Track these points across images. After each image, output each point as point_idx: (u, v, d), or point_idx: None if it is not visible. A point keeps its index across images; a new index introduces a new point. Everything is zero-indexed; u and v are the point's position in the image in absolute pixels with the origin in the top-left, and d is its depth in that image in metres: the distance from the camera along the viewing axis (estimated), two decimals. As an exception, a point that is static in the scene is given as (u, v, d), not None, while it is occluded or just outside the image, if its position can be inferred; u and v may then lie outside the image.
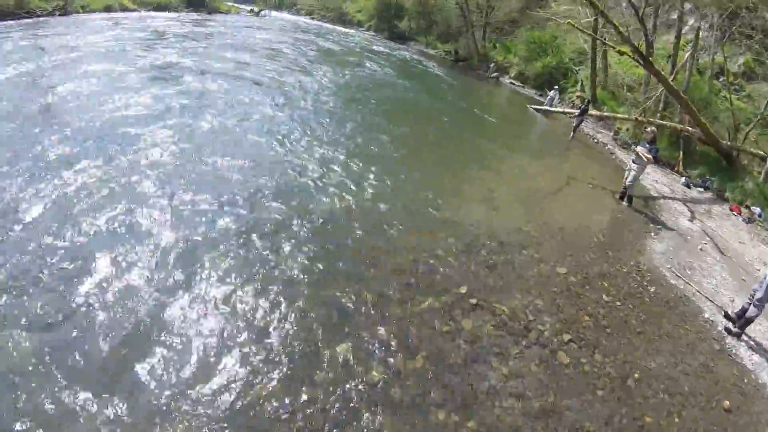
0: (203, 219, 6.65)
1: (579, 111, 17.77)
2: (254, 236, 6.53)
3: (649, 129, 12.09)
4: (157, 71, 13.98)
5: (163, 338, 4.55)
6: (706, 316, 7.65)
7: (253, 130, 10.66)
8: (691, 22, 20.52)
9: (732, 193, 14.37)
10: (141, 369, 4.23)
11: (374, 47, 31.08)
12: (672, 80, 15.45)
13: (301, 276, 5.88)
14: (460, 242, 7.42)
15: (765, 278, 7.12)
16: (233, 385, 4.22)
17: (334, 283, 5.85)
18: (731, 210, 13.59)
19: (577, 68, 24.61)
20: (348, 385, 4.41)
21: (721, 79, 17.97)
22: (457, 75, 26.89)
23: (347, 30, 39.95)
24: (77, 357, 4.21)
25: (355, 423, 4.06)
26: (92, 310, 4.75)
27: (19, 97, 10.16)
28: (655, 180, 14.86)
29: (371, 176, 9.15)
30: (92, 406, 3.79)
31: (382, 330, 5.21)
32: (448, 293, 6.15)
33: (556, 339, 5.79)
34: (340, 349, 4.80)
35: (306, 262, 6.15)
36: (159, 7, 30.76)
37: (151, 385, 4.10)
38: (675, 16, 19.10)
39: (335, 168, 9.39)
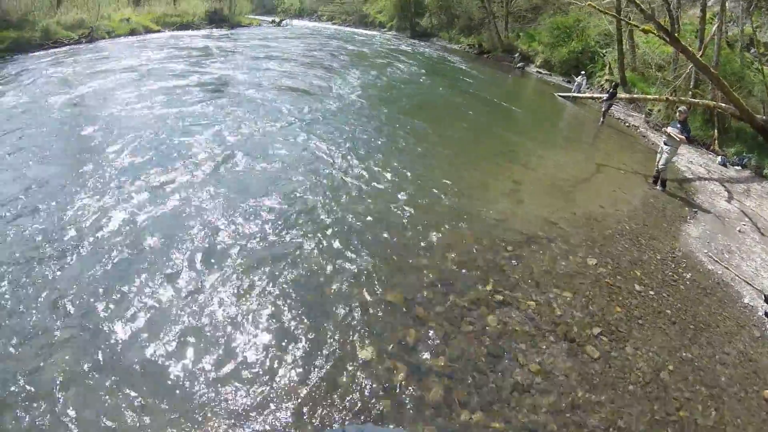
0: (234, 221, 6.78)
1: (607, 95, 17.42)
2: (279, 230, 6.67)
3: (680, 108, 11.74)
4: (197, 88, 14.27)
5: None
6: (746, 301, 7.42)
7: (291, 133, 11.01)
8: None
9: (771, 169, 13.82)
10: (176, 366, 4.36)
11: (397, 46, 31.12)
12: (701, 55, 14.97)
13: (321, 275, 5.95)
14: (484, 237, 7.36)
15: None
16: (253, 382, 4.31)
17: (355, 283, 5.88)
18: (772, 188, 13.07)
19: (604, 51, 24.05)
20: (371, 387, 4.44)
21: (752, 51, 17.27)
22: (481, 68, 26.65)
23: (369, 32, 40.07)
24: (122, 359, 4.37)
25: (378, 423, 4.09)
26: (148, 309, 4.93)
27: (74, 121, 10.53)
28: (690, 161, 14.43)
29: (395, 174, 9.22)
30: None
31: (404, 331, 5.22)
32: (472, 290, 6.11)
33: (586, 333, 5.69)
34: (364, 352, 4.83)
35: (325, 261, 6.21)
36: (182, 26, 31.41)
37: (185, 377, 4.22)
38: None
39: (364, 166, 9.51)
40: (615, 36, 21.89)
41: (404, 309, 5.57)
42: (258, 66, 19.07)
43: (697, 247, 8.70)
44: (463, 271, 6.48)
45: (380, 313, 5.46)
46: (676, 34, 14.36)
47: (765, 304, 7.37)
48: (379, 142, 11.26)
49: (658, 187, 11.42)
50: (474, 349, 5.17)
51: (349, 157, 9.87)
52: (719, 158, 14.94)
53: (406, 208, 7.94)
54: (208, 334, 4.83)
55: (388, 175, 9.11)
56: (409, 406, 4.33)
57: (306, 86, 16.33)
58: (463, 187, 9.17)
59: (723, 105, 14.98)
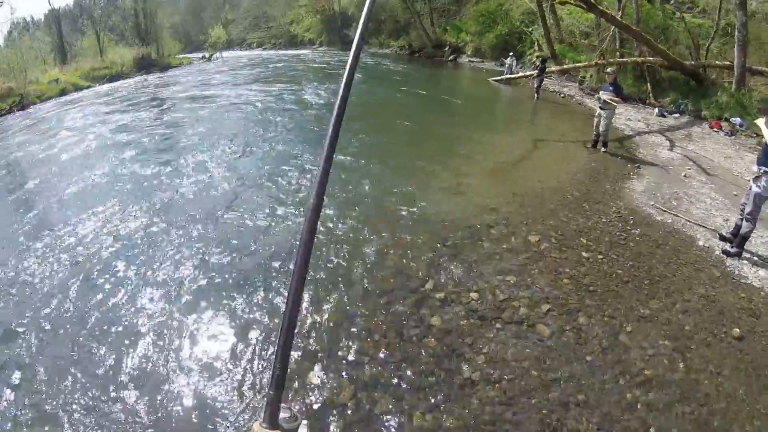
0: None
1: (537, 70, 17.43)
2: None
3: (608, 70, 11.75)
4: (127, 143, 13.64)
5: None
6: (701, 244, 7.22)
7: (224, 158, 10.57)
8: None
9: (708, 110, 13.94)
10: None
11: (329, 61, 30.96)
12: (620, 16, 15.10)
13: (254, 290, 5.53)
14: (423, 237, 7.03)
15: (750, 190, 6.70)
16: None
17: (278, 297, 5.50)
18: (711, 127, 13.17)
19: (530, 29, 24.26)
20: (320, 405, 4.06)
21: (671, 2, 17.52)
22: (415, 66, 26.68)
23: (300, 51, 39.92)
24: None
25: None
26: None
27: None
28: (629, 118, 14.46)
29: (334, 179, 8.83)
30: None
31: (345, 343, 4.85)
32: (414, 293, 5.76)
33: (534, 312, 5.36)
34: (309, 374, 4.44)
35: (254, 277, 5.81)
36: (112, 78, 30.88)
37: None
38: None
39: (295, 184, 9.19)
40: (538, 13, 22.06)
41: (345, 326, 5.18)
42: (182, 112, 18.52)
43: (644, 201, 8.52)
44: (402, 275, 6.12)
45: (322, 334, 5.07)
46: (592, 0, 14.42)
47: (721, 243, 7.19)
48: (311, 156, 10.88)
49: (601, 149, 11.29)
50: (420, 353, 4.81)
51: (281, 174, 9.54)
52: (656, 110, 15.01)
53: (342, 220, 7.59)
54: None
55: (332, 181, 8.70)
56: (358, 422, 3.96)
57: (237, 116, 15.92)
58: (401, 190, 8.85)
59: (651, 59, 15.16)
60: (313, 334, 5.09)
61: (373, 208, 8.09)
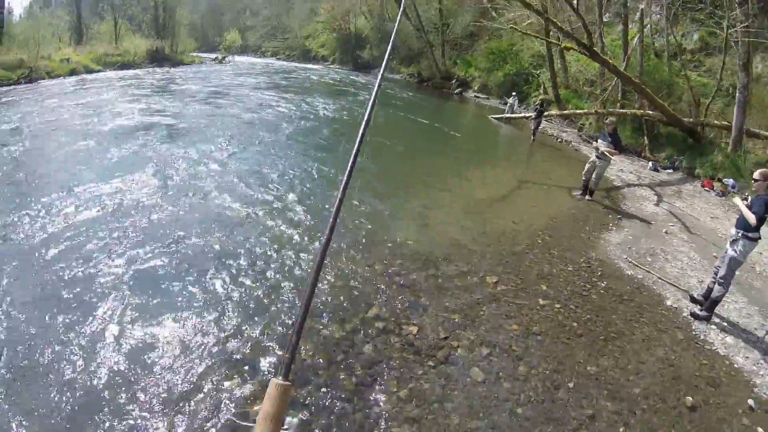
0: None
1: (535, 112, 17.34)
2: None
3: (608, 120, 11.52)
4: (130, 133, 13.46)
5: None
6: (669, 303, 6.92)
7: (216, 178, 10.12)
8: (641, 6, 20.26)
9: (702, 168, 13.77)
10: None
11: (340, 79, 31.09)
12: (625, 67, 15.06)
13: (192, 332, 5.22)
14: (379, 262, 6.76)
15: (726, 253, 6.44)
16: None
17: (235, 315, 5.21)
18: (703, 186, 12.97)
19: (538, 72, 24.31)
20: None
21: (679, 59, 17.52)
22: (421, 95, 26.69)
23: (313, 66, 40.13)
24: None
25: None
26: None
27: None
28: (621, 170, 14.25)
29: (299, 203, 8.71)
30: None
31: (271, 359, 4.56)
32: (355, 317, 5.47)
33: (472, 354, 5.06)
34: (230, 383, 4.15)
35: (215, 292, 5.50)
36: (123, 66, 31.04)
37: None
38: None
39: (272, 196, 9.01)
40: (546, 57, 22.10)
41: (272, 338, 4.88)
42: (193, 107, 18.35)
43: (616, 254, 8.24)
44: (346, 297, 5.83)
45: (247, 344, 4.79)
46: (594, 48, 14.38)
47: (691, 304, 6.90)
48: (296, 171, 10.74)
49: (586, 197, 11.05)
50: (342, 378, 4.51)
51: (255, 188, 9.34)
52: (650, 164, 14.84)
53: (296, 230, 7.35)
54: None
55: (297, 207, 8.52)
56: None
57: (237, 122, 15.77)
58: (368, 212, 8.61)
59: (650, 112, 15.06)
60: (236, 346, 4.80)
61: (337, 231, 7.81)
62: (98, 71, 28.37)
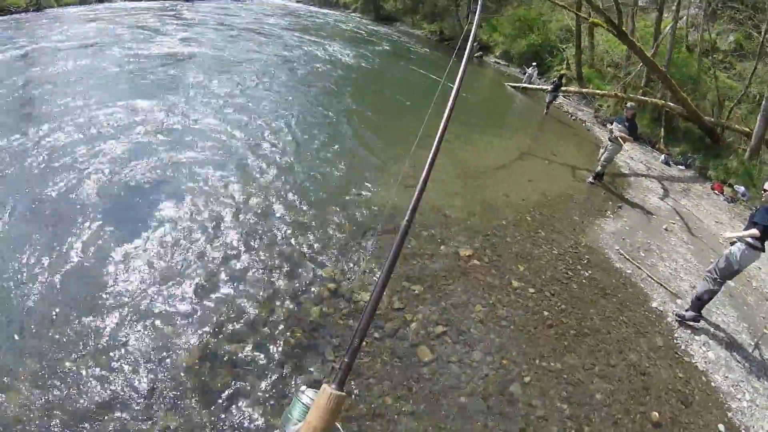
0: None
1: (552, 86, 16.49)
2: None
3: (629, 105, 10.74)
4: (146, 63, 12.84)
5: None
6: (654, 305, 6.38)
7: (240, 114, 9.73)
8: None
9: (715, 171, 13.07)
10: None
11: (359, 28, 29.87)
12: (652, 54, 14.13)
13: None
14: (350, 221, 6.21)
15: (724, 254, 5.89)
16: None
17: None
18: (713, 189, 12.27)
19: (564, 47, 23.17)
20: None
21: (711, 57, 16.53)
22: (439, 54, 25.57)
23: (333, 12, 38.77)
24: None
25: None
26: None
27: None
28: (631, 157, 13.50)
29: (307, 146, 8.49)
30: None
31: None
32: (306, 276, 4.93)
33: (424, 331, 4.54)
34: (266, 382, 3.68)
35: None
36: None
37: None
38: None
39: (281, 138, 8.70)
40: (574, 32, 21.02)
41: (229, 306, 4.35)
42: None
43: (608, 243, 7.65)
44: (304, 255, 5.28)
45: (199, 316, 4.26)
46: (623, 29, 13.43)
47: (676, 308, 6.36)
48: (311, 118, 10.30)
49: (589, 179, 10.42)
50: (285, 339, 4.08)
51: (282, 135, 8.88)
52: (662, 156, 14.11)
53: (280, 183, 6.80)
54: None
55: (303, 149, 8.29)
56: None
57: (251, 65, 14.96)
58: (356, 167, 7.98)
59: (671, 104, 14.24)
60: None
61: (319, 182, 7.27)
62: (109, 1, 26.89)
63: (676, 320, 6.11)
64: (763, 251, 5.63)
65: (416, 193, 1.05)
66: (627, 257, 7.42)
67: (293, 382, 3.73)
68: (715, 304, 6.48)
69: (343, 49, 20.54)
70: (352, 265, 5.37)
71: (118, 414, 3.23)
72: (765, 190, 5.83)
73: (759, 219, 5.50)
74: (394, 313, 4.68)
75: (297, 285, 4.82)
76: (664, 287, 6.88)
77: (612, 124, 10.43)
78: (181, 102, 9.68)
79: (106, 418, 3.19)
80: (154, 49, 14.74)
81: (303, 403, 0.90)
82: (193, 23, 22.44)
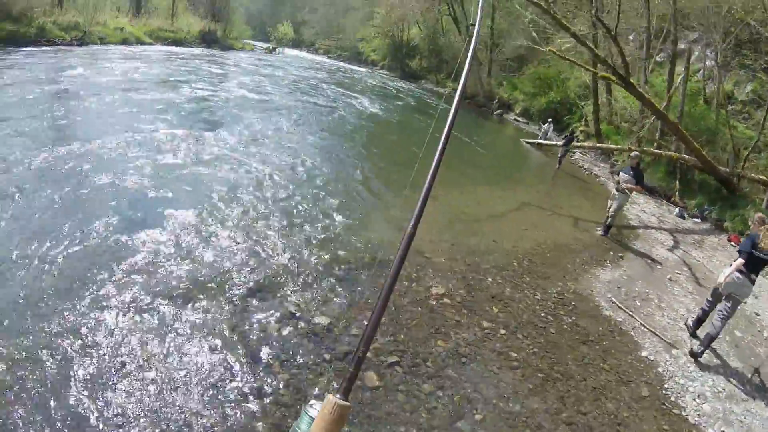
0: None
1: (564, 141, 16.54)
2: None
3: (632, 153, 10.71)
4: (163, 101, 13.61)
5: None
6: (644, 354, 6.08)
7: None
8: (696, 53, 19.21)
9: (732, 222, 12.66)
10: None
11: (387, 84, 30.86)
12: (665, 106, 14.10)
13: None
14: (328, 254, 6.21)
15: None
16: None
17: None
18: (729, 240, 11.87)
19: (582, 104, 23.35)
20: None
21: (729, 108, 16.39)
22: (462, 113, 25.96)
23: (361, 68, 40.17)
24: None
25: None
26: None
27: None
28: (643, 210, 13.24)
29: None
30: None
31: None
32: (272, 298, 4.92)
33: (376, 359, 4.41)
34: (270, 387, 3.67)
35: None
36: (174, 42, 31.74)
37: None
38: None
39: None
40: (591, 88, 21.23)
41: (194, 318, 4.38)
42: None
43: (600, 292, 7.40)
44: (271, 281, 5.30)
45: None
46: (631, 80, 13.50)
47: (669, 358, 6.11)
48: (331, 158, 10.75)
49: (598, 231, 10.23)
50: (232, 349, 4.01)
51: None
52: (677, 209, 13.77)
53: (272, 203, 7.14)
54: None
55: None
56: None
57: (275, 107, 15.73)
58: (347, 202, 8.13)
59: (685, 156, 14.08)
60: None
61: (309, 211, 7.48)
62: (149, 44, 28.92)
63: (690, 355, 6.07)
64: (752, 281, 5.76)
65: (406, 233, 1.09)
66: (619, 305, 7.15)
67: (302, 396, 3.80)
68: (718, 354, 6.17)
69: (369, 102, 21.33)
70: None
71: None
72: (753, 222, 6.17)
73: (742, 247, 5.87)
74: (348, 337, 4.59)
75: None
76: (659, 336, 6.57)
77: (618, 174, 10.34)
78: (211, 133, 10.58)
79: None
80: (193, 87, 15.94)
81: (310, 416, 0.91)
82: (231, 70, 23.66)
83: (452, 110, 1.18)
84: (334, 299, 5.32)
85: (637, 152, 10.90)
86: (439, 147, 1.22)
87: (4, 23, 19.91)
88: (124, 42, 26.84)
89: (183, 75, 18.72)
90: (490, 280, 6.69)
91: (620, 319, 6.77)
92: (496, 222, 9.51)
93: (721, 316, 5.98)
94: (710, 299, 6.42)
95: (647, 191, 14.22)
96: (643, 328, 6.72)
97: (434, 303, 5.69)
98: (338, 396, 0.93)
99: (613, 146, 17.40)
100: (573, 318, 6.37)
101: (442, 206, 9.41)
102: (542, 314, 6.21)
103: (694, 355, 6.04)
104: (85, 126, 9.62)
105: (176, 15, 35.82)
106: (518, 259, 7.77)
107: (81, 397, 3.37)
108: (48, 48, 20.28)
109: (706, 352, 6.09)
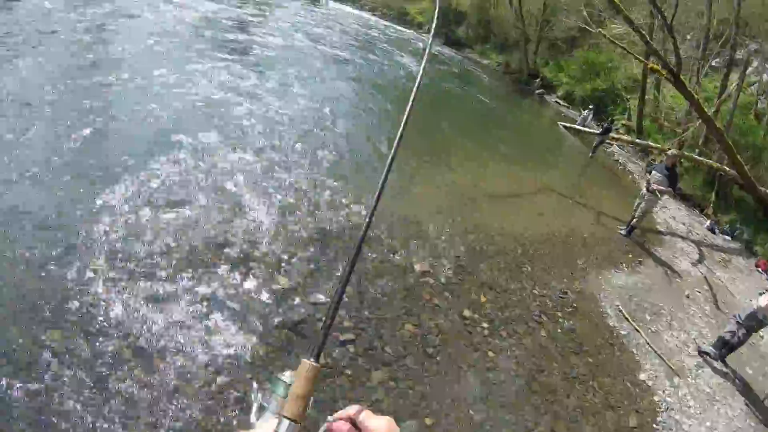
0: None
1: (601, 130, 15.51)
2: None
3: (669, 152, 9.71)
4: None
5: None
6: (641, 377, 5.35)
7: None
8: (755, 64, 17.84)
9: (763, 247, 11.64)
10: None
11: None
12: (714, 112, 12.95)
13: None
14: (312, 222, 5.53)
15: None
16: None
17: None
18: (757, 266, 10.94)
19: (628, 96, 21.97)
20: None
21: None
22: (501, 84, 24.99)
23: (406, 29, 38.77)
24: None
25: None
26: None
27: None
28: (673, 216, 12.25)
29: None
30: None
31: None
32: (220, 262, 4.26)
33: (336, 338, 3.73)
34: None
35: None
36: None
37: None
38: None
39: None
40: (641, 82, 19.89)
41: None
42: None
43: (609, 297, 6.60)
44: (256, 256, 4.63)
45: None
46: (681, 77, 12.33)
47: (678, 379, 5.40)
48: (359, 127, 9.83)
49: (621, 230, 9.36)
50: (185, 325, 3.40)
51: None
52: (708, 222, 12.75)
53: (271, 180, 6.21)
54: None
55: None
56: None
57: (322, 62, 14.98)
58: (356, 171, 7.34)
59: (726, 168, 12.98)
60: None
61: (304, 179, 6.66)
62: None
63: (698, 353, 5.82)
64: None
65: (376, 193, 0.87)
66: (626, 316, 6.37)
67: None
68: (725, 389, 5.44)
69: (410, 63, 20.10)
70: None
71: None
72: None
73: None
74: (309, 306, 3.91)
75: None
76: (662, 359, 5.79)
77: (650, 173, 9.37)
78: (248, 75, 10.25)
79: None
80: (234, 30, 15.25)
81: (284, 381, 0.75)
82: (274, 16, 22.79)
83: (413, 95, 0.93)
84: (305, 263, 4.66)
85: (675, 151, 9.90)
86: (403, 119, 0.95)
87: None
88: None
89: (222, 18, 17.95)
90: (482, 265, 5.91)
91: (624, 332, 6.01)
92: (508, 202, 8.70)
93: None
94: (742, 321, 5.77)
95: (679, 197, 13.24)
96: (647, 346, 5.95)
97: (413, 281, 4.96)
98: (312, 359, 0.74)
99: (652, 144, 16.23)
100: (571, 322, 5.61)
101: (453, 177, 8.63)
102: (536, 312, 5.47)
103: (715, 356, 5.82)
104: (123, 57, 9.27)
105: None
106: (524, 245, 6.97)
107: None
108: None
109: (713, 386, 5.37)
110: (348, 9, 44.80)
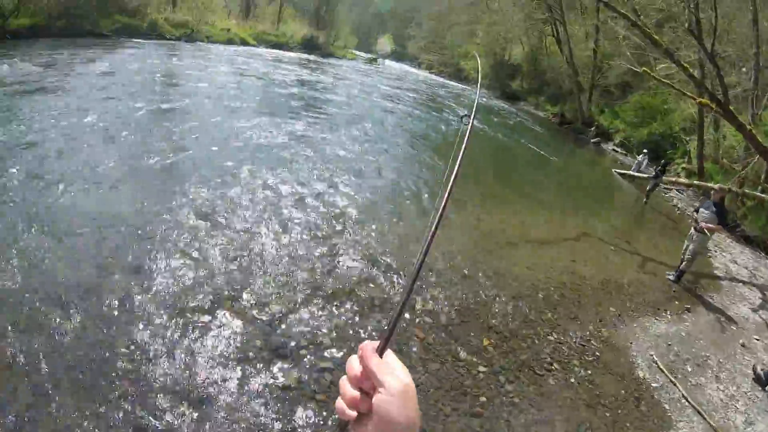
0: None
1: (654, 174, 14.93)
2: None
3: (716, 187, 9.19)
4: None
5: None
6: (673, 437, 4.81)
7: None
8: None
9: (840, 296, 10.42)
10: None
11: (485, 103, 30.14)
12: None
13: None
14: (321, 247, 5.66)
15: None
16: None
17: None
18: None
19: (687, 138, 21.04)
20: None
21: None
22: (555, 134, 24.86)
23: (462, 85, 39.50)
24: None
25: None
26: None
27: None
28: (734, 260, 11.34)
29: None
30: None
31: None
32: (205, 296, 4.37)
33: (310, 357, 3.73)
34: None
35: None
36: (276, 45, 33.42)
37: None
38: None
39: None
40: (697, 122, 19.06)
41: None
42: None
43: (643, 346, 6.10)
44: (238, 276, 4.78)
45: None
46: (731, 108, 11.73)
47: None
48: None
49: (669, 277, 8.79)
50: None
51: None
52: (776, 264, 11.70)
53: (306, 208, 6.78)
54: None
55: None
56: None
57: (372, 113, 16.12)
58: (382, 202, 7.99)
59: (794, 206, 11.98)
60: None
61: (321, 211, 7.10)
62: (252, 45, 30.55)
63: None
64: None
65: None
66: (661, 367, 5.83)
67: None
68: None
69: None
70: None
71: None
72: None
73: None
74: (301, 343, 3.91)
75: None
76: (702, 416, 5.20)
77: (698, 212, 8.83)
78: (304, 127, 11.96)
79: None
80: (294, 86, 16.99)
81: None
82: (323, 74, 24.21)
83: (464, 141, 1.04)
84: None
85: (722, 185, 9.36)
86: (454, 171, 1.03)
87: (121, 16, 22.31)
88: (229, 42, 28.92)
89: (279, 74, 19.72)
90: (494, 308, 5.65)
91: (656, 385, 5.47)
92: (540, 248, 8.36)
93: None
94: None
95: (743, 239, 12.30)
96: (684, 401, 5.37)
97: (408, 316, 4.79)
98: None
99: (709, 185, 15.25)
100: (589, 372, 5.19)
101: (483, 222, 8.47)
102: (547, 360, 5.11)
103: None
104: (190, 107, 11.44)
105: (282, 20, 37.41)
106: (547, 290, 6.63)
107: None
108: (157, 42, 22.60)
109: None
110: (405, 67, 46.41)
